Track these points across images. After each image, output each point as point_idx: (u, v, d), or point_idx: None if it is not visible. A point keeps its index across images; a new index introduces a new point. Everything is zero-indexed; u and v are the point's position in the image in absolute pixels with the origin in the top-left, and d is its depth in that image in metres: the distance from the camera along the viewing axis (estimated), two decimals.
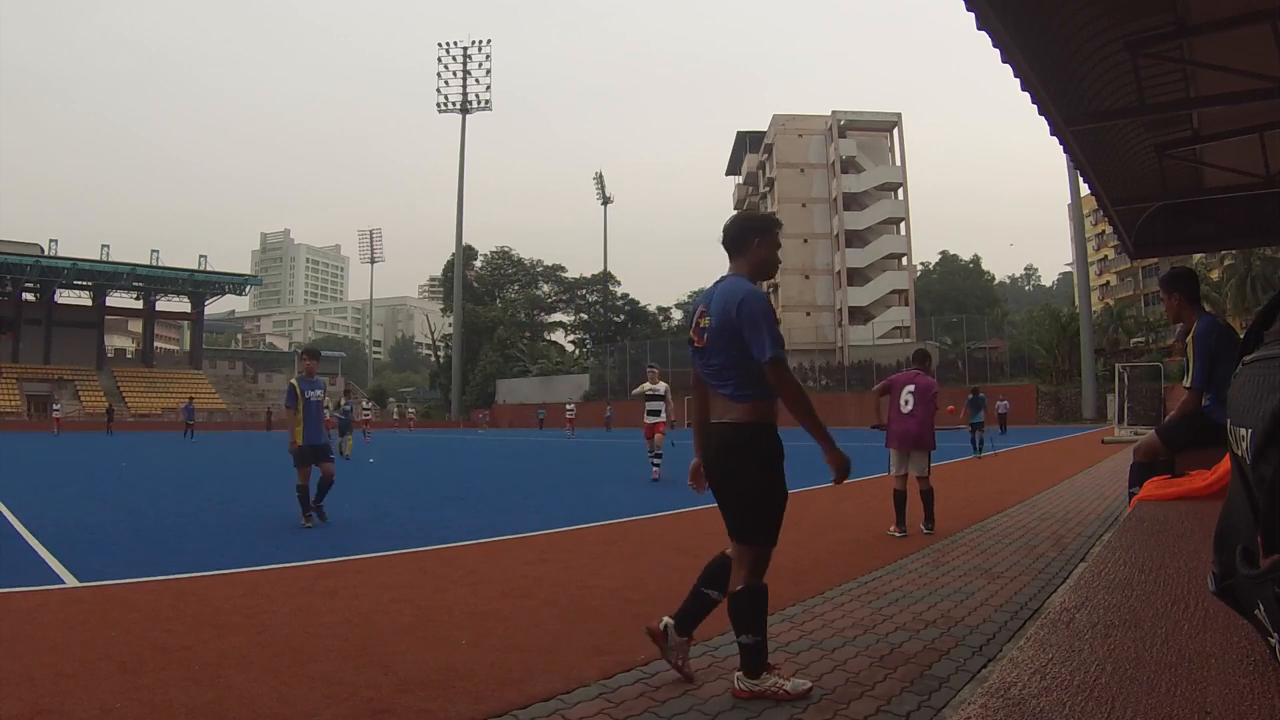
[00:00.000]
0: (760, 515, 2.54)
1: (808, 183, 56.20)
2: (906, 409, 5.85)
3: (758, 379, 2.50)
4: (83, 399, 48.00)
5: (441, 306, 76.23)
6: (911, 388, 5.87)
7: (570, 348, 72.75)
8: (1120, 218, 6.78)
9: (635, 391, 11.28)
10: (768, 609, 2.60)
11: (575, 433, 31.70)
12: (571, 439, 27.89)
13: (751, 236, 2.62)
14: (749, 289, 2.52)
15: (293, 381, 6.99)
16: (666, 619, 2.72)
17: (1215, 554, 0.68)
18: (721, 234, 2.68)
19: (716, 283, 2.64)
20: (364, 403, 29.83)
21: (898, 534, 5.66)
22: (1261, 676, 0.63)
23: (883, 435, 6.10)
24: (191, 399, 33.30)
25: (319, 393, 7.01)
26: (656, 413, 10.87)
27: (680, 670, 2.70)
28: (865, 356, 48.21)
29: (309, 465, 6.75)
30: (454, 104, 57.46)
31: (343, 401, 19.19)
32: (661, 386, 11.01)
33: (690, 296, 77.25)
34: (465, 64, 57.53)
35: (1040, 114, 4.32)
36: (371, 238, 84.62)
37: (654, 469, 10.56)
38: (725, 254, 2.69)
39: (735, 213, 2.64)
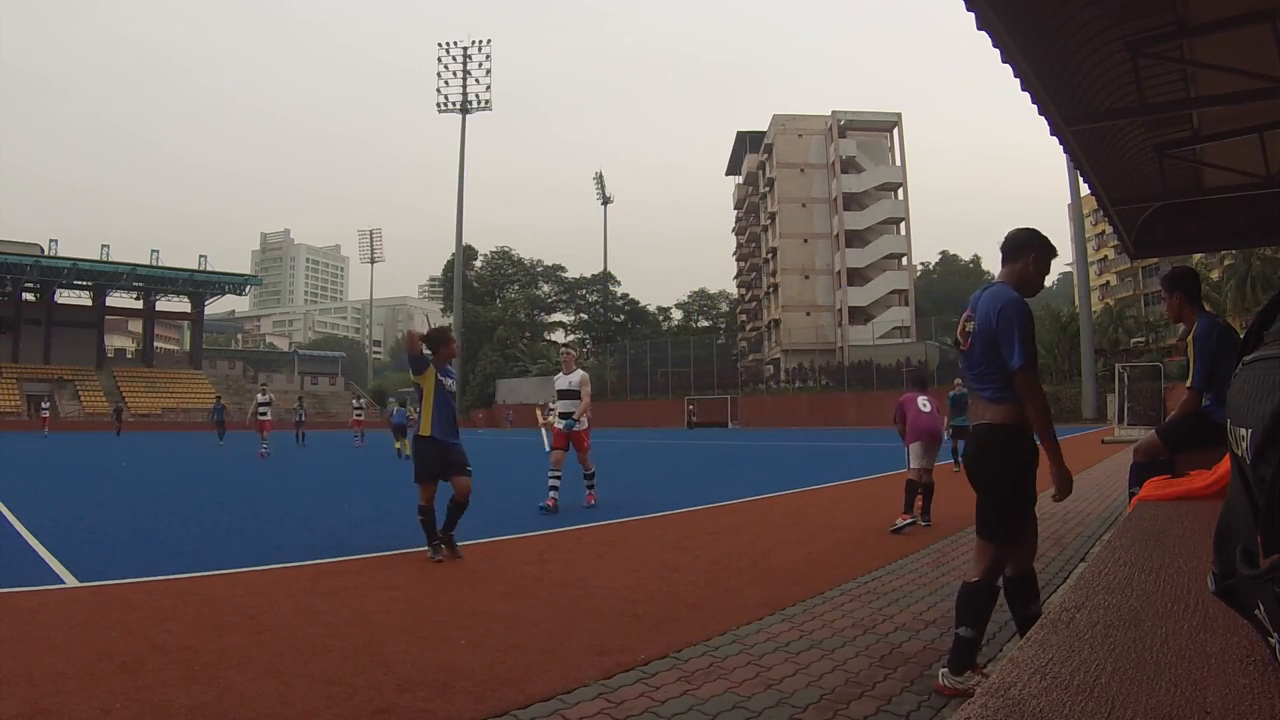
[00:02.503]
0: (1002, 514, 2.60)
1: (808, 183, 56.22)
2: (926, 409, 6.37)
3: (1014, 383, 2.55)
4: (83, 399, 48.02)
5: (441, 306, 76.22)
6: (923, 397, 6.47)
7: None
8: (1120, 218, 6.78)
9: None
10: (991, 611, 2.65)
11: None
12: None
13: (1029, 250, 2.64)
14: (1012, 296, 2.58)
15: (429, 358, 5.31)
16: (941, 670, 2.69)
17: (1215, 554, 0.68)
18: (1003, 240, 2.73)
19: (984, 288, 2.71)
20: (355, 401, 27.19)
21: (921, 523, 6.00)
22: (1261, 676, 0.63)
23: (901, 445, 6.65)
24: (220, 398, 29.92)
25: (452, 382, 5.36)
26: (568, 416, 7.52)
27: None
28: (865, 356, 48.23)
29: (435, 480, 5.14)
30: (454, 104, 57.46)
31: (392, 403, 18.96)
32: (576, 376, 7.65)
33: (690, 297, 77.55)
34: (465, 64, 57.53)
35: (1040, 114, 4.32)
36: (371, 238, 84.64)
37: (550, 494, 7.30)
38: (999, 258, 2.74)
39: (1023, 226, 2.72)
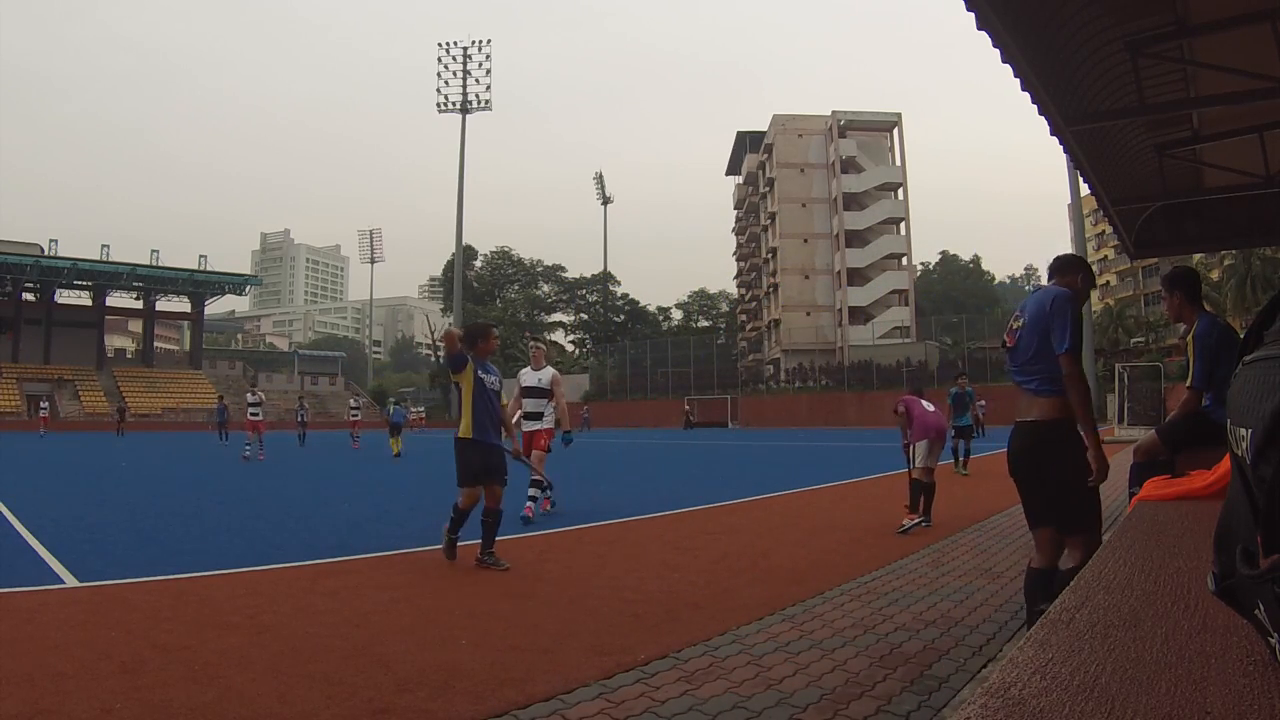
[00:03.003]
0: (1082, 506, 2.66)
1: (808, 183, 56.20)
2: (930, 408, 6.45)
3: (1061, 375, 2.65)
4: (83, 399, 48.02)
5: (441, 306, 76.30)
6: (924, 400, 6.55)
7: (570, 348, 72.83)
8: (1120, 218, 6.77)
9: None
10: None
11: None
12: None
13: (1078, 270, 2.90)
14: (1067, 291, 2.76)
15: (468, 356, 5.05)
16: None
17: (1215, 554, 0.68)
18: (1053, 260, 2.97)
19: (1033, 293, 2.90)
20: (352, 401, 25.54)
21: (914, 521, 5.93)
22: (1261, 676, 0.63)
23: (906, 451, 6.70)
24: (222, 398, 28.47)
25: (495, 379, 5.04)
26: (537, 416, 6.92)
27: None
28: (865, 356, 48.22)
29: (480, 484, 4.82)
30: (454, 104, 57.39)
31: (390, 402, 18.53)
32: (547, 374, 7.03)
33: (690, 297, 77.53)
34: (465, 64, 57.47)
35: (1040, 114, 4.32)
36: (371, 238, 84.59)
37: (528, 502, 6.65)
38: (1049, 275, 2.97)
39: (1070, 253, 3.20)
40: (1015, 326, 2.80)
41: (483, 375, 4.95)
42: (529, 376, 7.06)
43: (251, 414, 17.08)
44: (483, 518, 4.79)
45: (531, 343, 7.03)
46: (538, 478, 6.61)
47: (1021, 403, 2.77)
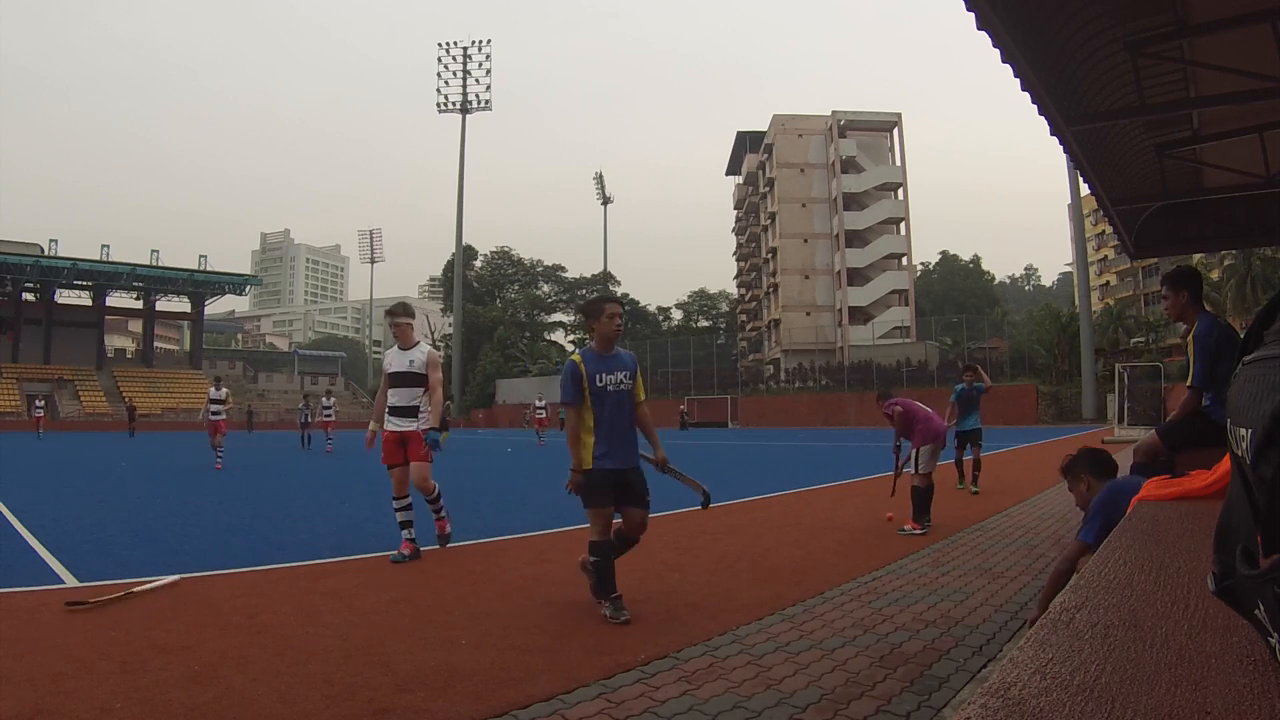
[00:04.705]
0: None
1: (808, 183, 56.21)
2: (930, 410, 6.30)
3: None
4: (83, 399, 48.03)
5: (441, 306, 76.31)
6: (917, 403, 6.41)
7: (570, 348, 72.77)
8: (1120, 218, 6.78)
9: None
10: None
11: (544, 434, 26.17)
12: (541, 444, 23.40)
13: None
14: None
15: (575, 358, 3.82)
16: None
17: (1215, 554, 0.68)
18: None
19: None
20: (325, 400, 22.68)
21: (919, 530, 5.79)
22: (1261, 676, 0.63)
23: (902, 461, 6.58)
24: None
25: (623, 377, 3.80)
26: (410, 412, 5.23)
27: None
28: (865, 356, 48.23)
29: (609, 506, 3.72)
30: (454, 104, 57.42)
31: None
32: (420, 355, 5.29)
33: (690, 297, 77.52)
34: (465, 64, 57.49)
35: (1040, 114, 4.33)
36: (371, 238, 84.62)
37: (438, 518, 5.40)
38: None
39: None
40: None
41: (601, 376, 3.74)
42: (396, 359, 5.27)
43: (213, 413, 14.21)
44: (621, 535, 3.78)
45: (391, 318, 5.10)
46: (432, 492, 5.31)
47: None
